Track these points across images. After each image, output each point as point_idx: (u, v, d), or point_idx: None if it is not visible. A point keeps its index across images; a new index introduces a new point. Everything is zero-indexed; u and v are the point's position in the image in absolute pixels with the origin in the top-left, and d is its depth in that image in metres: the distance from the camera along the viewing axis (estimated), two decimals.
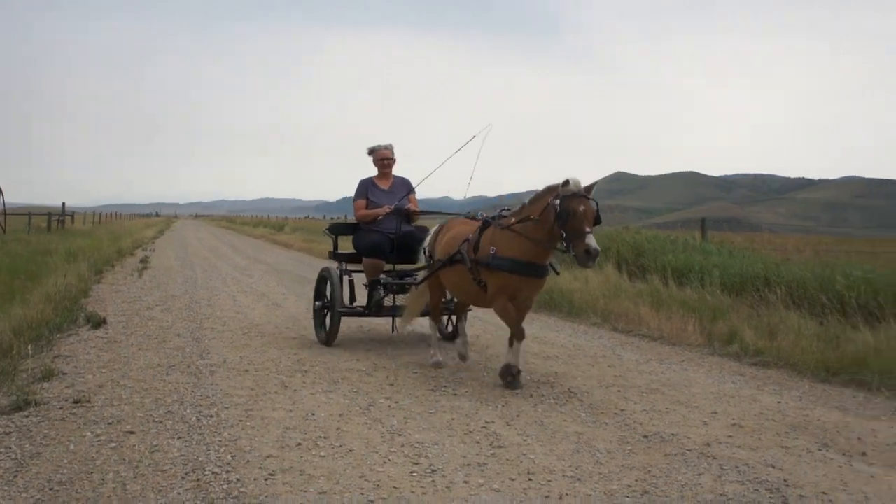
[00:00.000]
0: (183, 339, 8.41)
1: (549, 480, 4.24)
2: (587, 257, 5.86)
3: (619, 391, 6.38)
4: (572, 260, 6.15)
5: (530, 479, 4.24)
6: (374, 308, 8.24)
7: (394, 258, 8.38)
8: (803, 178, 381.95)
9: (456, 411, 5.66)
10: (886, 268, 10.28)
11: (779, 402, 6.14)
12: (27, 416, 5.25)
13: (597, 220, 6.10)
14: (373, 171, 8.75)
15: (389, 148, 8.68)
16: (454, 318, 8.75)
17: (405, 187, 8.68)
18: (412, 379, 6.79)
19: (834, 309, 8.88)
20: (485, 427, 5.27)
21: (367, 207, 8.47)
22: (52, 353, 7.41)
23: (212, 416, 5.36)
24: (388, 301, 8.39)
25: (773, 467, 4.52)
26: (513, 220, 6.57)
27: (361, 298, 8.50)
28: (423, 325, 9.04)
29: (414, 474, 4.30)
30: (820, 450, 4.89)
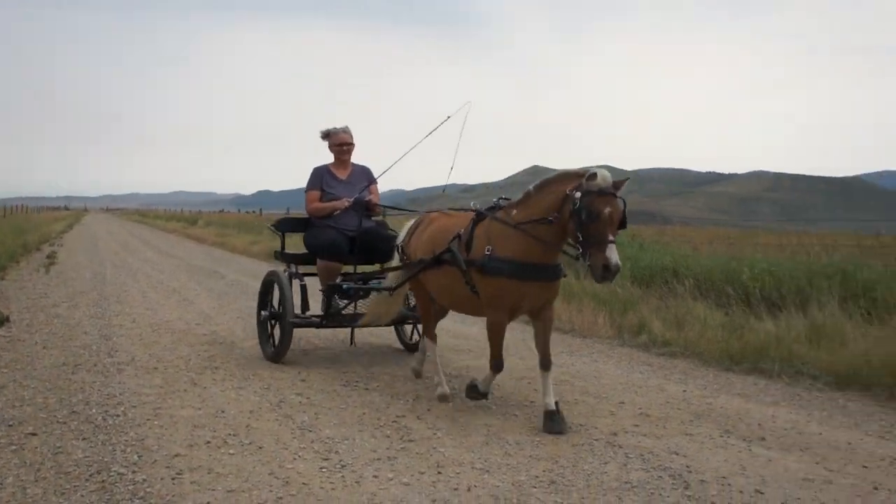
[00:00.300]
0: (90, 337, 8.18)
1: (459, 473, 4.28)
2: (605, 274, 4.79)
3: (529, 383, 6.44)
4: (584, 269, 5.34)
5: (440, 472, 4.28)
6: (332, 317, 7.21)
7: (354, 259, 7.42)
8: (714, 173, 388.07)
9: (367, 406, 5.67)
10: (791, 260, 10.65)
11: (684, 391, 6.34)
12: None
13: (622, 224, 5.00)
14: (327, 157, 7.66)
15: (348, 131, 7.57)
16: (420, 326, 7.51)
17: (366, 177, 7.63)
18: (324, 374, 6.75)
19: (739, 300, 9.16)
20: (395, 421, 5.30)
21: (321, 200, 7.38)
22: None
23: (118, 416, 5.25)
24: (348, 309, 7.32)
25: (677, 454, 4.66)
26: (514, 212, 5.45)
27: (315, 306, 7.47)
28: (379, 335, 8.63)
29: (324, 470, 4.30)
30: (721, 436, 5.06)
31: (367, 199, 7.41)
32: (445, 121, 6.79)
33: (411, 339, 7.99)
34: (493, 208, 5.69)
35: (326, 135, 7.54)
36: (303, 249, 7.62)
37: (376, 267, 7.47)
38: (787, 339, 7.47)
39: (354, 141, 7.57)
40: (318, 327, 7.31)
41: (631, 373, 7.00)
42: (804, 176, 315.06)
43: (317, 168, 7.51)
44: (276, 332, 7.37)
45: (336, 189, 7.37)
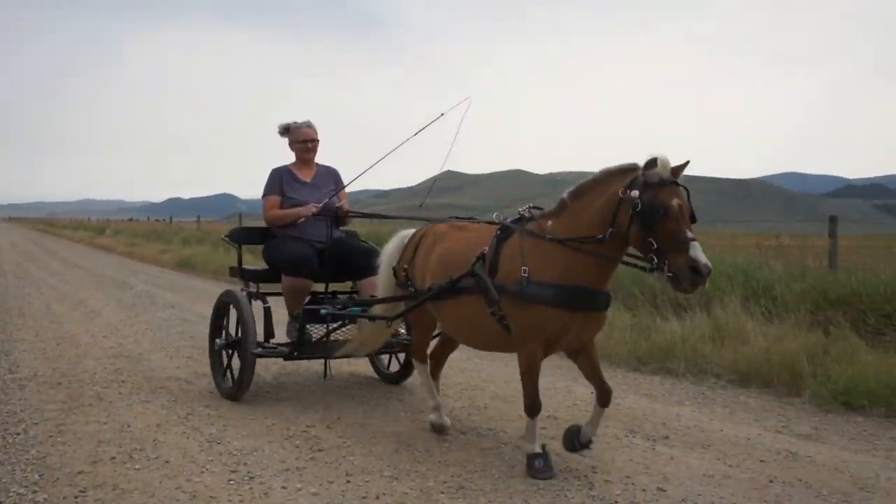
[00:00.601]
0: None
1: (368, 481, 4.31)
2: (696, 278, 3.95)
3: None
4: (660, 281, 4.22)
5: (348, 481, 4.30)
6: (305, 347, 6.06)
7: (324, 275, 6.35)
8: None
9: (277, 416, 5.63)
10: None
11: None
12: None
13: (692, 218, 4.18)
14: (287, 157, 6.67)
15: (312, 126, 6.58)
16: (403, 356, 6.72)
17: (333, 179, 6.65)
18: None
19: (646, 301, 9.31)
20: (305, 431, 5.28)
21: (282, 206, 6.39)
22: None
23: (19, 434, 5.12)
24: (318, 334, 6.21)
25: (583, 456, 4.74)
26: (549, 223, 4.55)
27: (280, 331, 6.38)
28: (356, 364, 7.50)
29: (231, 482, 4.28)
30: (627, 436, 5.20)
31: (337, 204, 6.46)
32: (439, 117, 6.01)
33: (388, 368, 7.05)
34: (521, 220, 4.78)
35: (286, 130, 6.56)
36: (262, 264, 6.63)
37: (348, 285, 6.66)
38: (692, 339, 7.61)
39: (319, 137, 6.60)
40: (287, 358, 6.17)
41: (540, 376, 7.11)
42: (706, 177, 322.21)
43: (276, 169, 6.52)
44: (235, 363, 6.28)
45: (299, 193, 6.39)
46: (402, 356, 6.72)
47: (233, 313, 6.26)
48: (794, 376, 6.50)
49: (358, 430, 5.33)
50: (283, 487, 4.20)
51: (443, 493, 4.15)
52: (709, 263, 3.93)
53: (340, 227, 6.57)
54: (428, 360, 5.59)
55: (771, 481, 4.34)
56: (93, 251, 31.22)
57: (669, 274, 3.99)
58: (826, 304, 7.96)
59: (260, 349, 5.99)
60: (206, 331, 6.82)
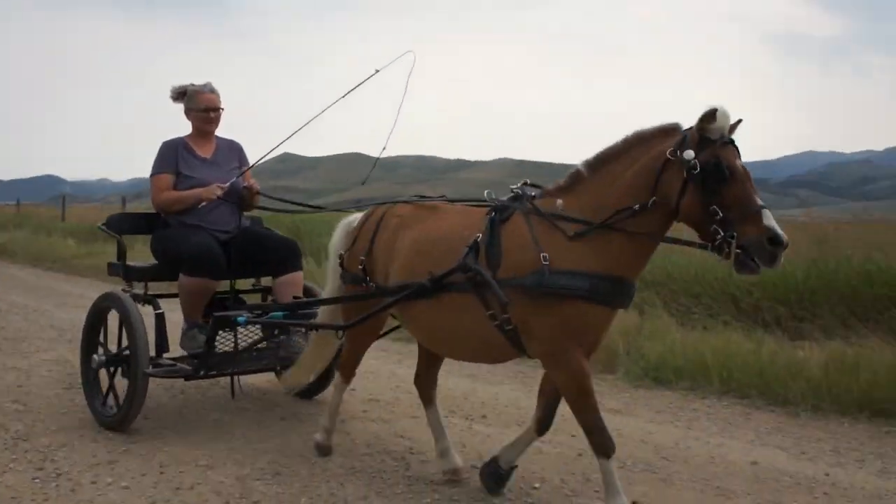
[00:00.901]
0: None
1: (182, 471, 4.28)
2: (775, 249, 3.23)
3: (265, 376, 6.14)
4: (724, 262, 3.37)
5: (162, 472, 4.26)
6: (211, 363, 4.91)
7: (233, 272, 5.35)
8: (461, 160, 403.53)
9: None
10: None
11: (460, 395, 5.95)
12: None
13: None
14: (182, 129, 5.52)
15: (215, 91, 5.44)
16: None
17: (236, 155, 5.59)
18: (45, 378, 6.41)
19: None
20: None
21: (176, 187, 5.27)
22: None
23: None
24: (224, 345, 5.22)
25: (402, 437, 4.89)
26: (559, 202, 3.65)
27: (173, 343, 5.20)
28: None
29: (37, 481, 4.15)
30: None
31: (244, 185, 5.39)
32: (374, 74, 4.92)
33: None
34: (520, 198, 3.81)
35: (182, 94, 5.43)
36: (151, 259, 5.52)
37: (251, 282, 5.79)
38: None
39: (223, 105, 5.50)
40: (189, 378, 5.02)
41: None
42: (547, 163, 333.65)
43: (167, 142, 5.39)
44: (116, 383, 5.20)
45: (198, 172, 5.28)
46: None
47: (113, 321, 5.18)
48: (610, 354, 6.82)
49: (175, 419, 5.22)
50: (93, 483, 4.10)
51: (258, 479, 4.17)
52: (784, 235, 3.23)
53: (244, 214, 5.54)
54: (350, 380, 4.65)
55: (580, 454, 4.57)
56: None
57: (738, 250, 3.26)
58: (642, 285, 8.36)
59: (156, 368, 4.93)
60: (11, 320, 6.47)
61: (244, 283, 5.74)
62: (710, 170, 3.24)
